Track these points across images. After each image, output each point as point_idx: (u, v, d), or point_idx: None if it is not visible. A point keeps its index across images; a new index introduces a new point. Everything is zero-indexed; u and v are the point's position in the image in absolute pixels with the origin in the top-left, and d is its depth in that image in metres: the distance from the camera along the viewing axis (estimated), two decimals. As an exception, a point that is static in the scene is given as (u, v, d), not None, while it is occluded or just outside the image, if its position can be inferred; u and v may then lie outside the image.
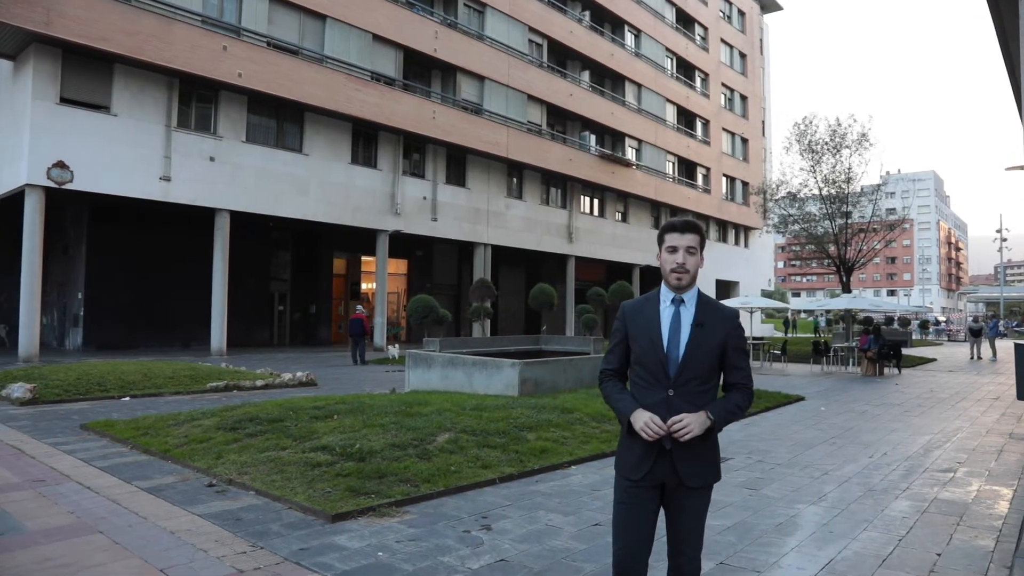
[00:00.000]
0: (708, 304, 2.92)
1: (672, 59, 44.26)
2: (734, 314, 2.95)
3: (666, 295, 2.92)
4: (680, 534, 2.90)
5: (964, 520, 5.72)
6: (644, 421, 2.76)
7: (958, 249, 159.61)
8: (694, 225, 2.90)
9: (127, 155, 20.31)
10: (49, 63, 19.14)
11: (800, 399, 13.92)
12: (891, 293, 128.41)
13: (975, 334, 28.99)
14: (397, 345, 24.88)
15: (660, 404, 2.80)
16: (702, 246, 2.91)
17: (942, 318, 63.51)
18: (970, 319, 34.19)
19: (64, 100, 19.40)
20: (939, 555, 4.86)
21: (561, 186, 36.60)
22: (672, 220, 2.93)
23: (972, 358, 27.80)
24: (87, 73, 19.92)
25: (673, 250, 2.87)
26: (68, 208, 23.87)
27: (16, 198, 19.98)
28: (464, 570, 4.44)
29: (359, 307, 23.47)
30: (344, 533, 5.12)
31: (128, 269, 23.89)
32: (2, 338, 24.04)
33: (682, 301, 2.89)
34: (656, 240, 2.98)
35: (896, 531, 5.40)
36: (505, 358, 12.23)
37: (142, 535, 5.02)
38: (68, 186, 19.18)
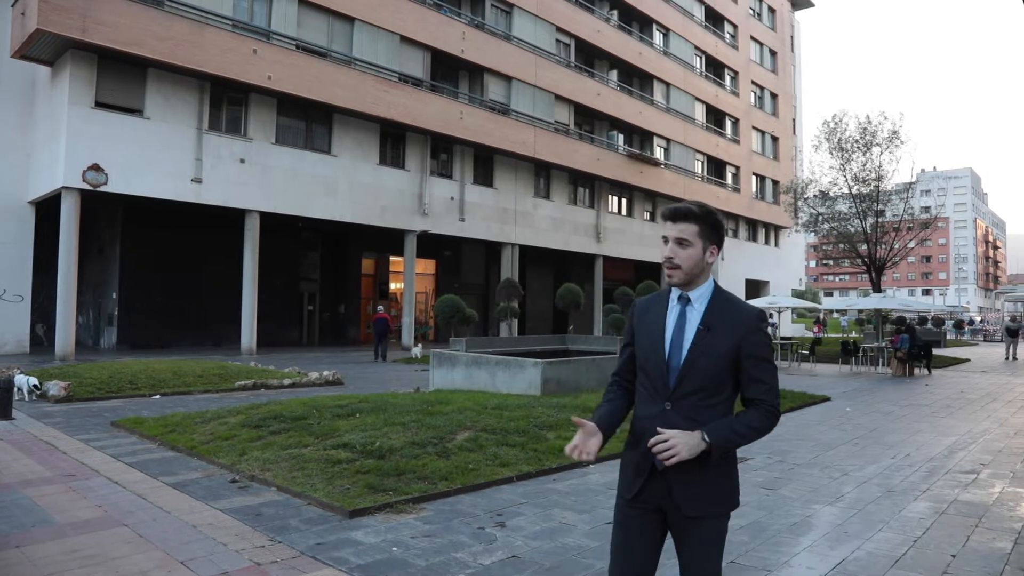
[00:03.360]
0: (723, 304, 2.46)
1: (701, 57, 43.99)
2: (753, 315, 2.45)
3: (675, 293, 2.51)
4: (686, 573, 2.45)
5: (983, 522, 5.67)
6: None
7: (996, 248, 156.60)
8: (685, 212, 2.45)
9: (160, 157, 20.72)
10: (85, 68, 19.59)
11: (826, 399, 13.81)
12: (926, 292, 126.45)
13: (1012, 334, 28.45)
14: (420, 345, 25.21)
15: (656, 418, 2.40)
16: (705, 236, 2.44)
17: (977, 317, 62.37)
18: (1007, 319, 33.54)
19: (99, 104, 19.86)
20: (954, 556, 4.83)
21: (589, 186, 36.57)
22: (668, 206, 2.50)
23: (1007, 359, 27.29)
24: (121, 78, 20.36)
25: (665, 241, 2.48)
26: (103, 210, 24.40)
27: (53, 200, 20.49)
28: (476, 566, 4.52)
29: (380, 307, 24.16)
30: (361, 529, 5.23)
31: (161, 269, 24.36)
32: (40, 337, 24.63)
33: (688, 300, 2.47)
34: None
35: (912, 532, 5.37)
36: (530, 358, 12.30)
37: (165, 528, 5.17)
38: (103, 188, 19.62)
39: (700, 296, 2.47)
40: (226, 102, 22.80)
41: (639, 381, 2.54)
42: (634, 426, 2.53)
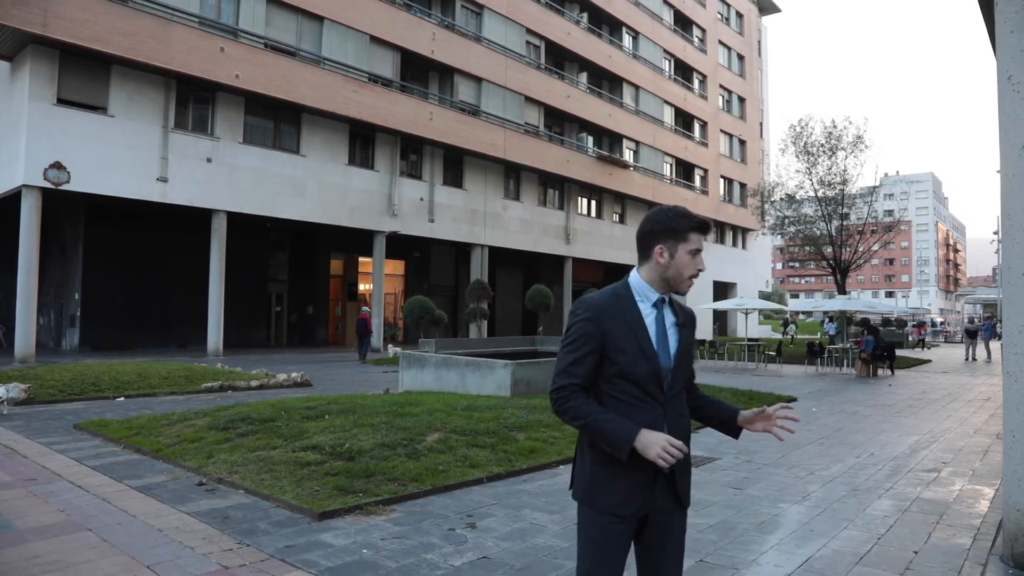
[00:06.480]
0: (675, 302, 2.53)
1: (670, 61, 44.34)
2: (692, 310, 2.63)
3: (647, 293, 2.45)
4: (669, 565, 2.46)
5: (944, 519, 5.79)
6: (662, 446, 2.23)
7: (956, 251, 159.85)
8: None
9: (124, 156, 20.38)
10: (46, 64, 19.20)
11: (792, 400, 13.97)
12: (889, 295, 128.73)
13: (971, 335, 29.07)
14: (390, 345, 25.25)
15: (654, 424, 2.34)
16: None
17: (939, 319, 63.58)
18: (966, 321, 34.28)
19: (61, 101, 19.47)
20: (916, 553, 4.92)
21: (558, 187, 36.68)
22: (696, 216, 2.46)
23: (967, 359, 27.87)
24: (84, 74, 19.99)
25: (697, 253, 2.45)
26: (65, 209, 23.93)
27: (13, 199, 20.04)
28: (446, 567, 4.51)
29: (364, 308, 24.40)
30: (330, 531, 5.19)
31: (125, 270, 23.95)
32: (-1, 338, 24.12)
33: (663, 301, 2.47)
34: (659, 234, 2.45)
35: (876, 529, 5.47)
36: (500, 359, 12.30)
37: (131, 533, 5.09)
38: (65, 187, 19.25)
39: (667, 296, 2.51)
40: (192, 100, 22.50)
41: (616, 389, 2.39)
42: None
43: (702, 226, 2.44)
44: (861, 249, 30.83)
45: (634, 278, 2.48)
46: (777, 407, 2.52)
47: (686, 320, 2.52)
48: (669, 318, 2.47)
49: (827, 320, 35.77)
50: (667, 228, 2.43)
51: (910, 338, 40.35)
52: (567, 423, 2.39)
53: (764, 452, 8.58)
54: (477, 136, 30.15)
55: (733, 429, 2.62)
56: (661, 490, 2.39)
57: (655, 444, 2.23)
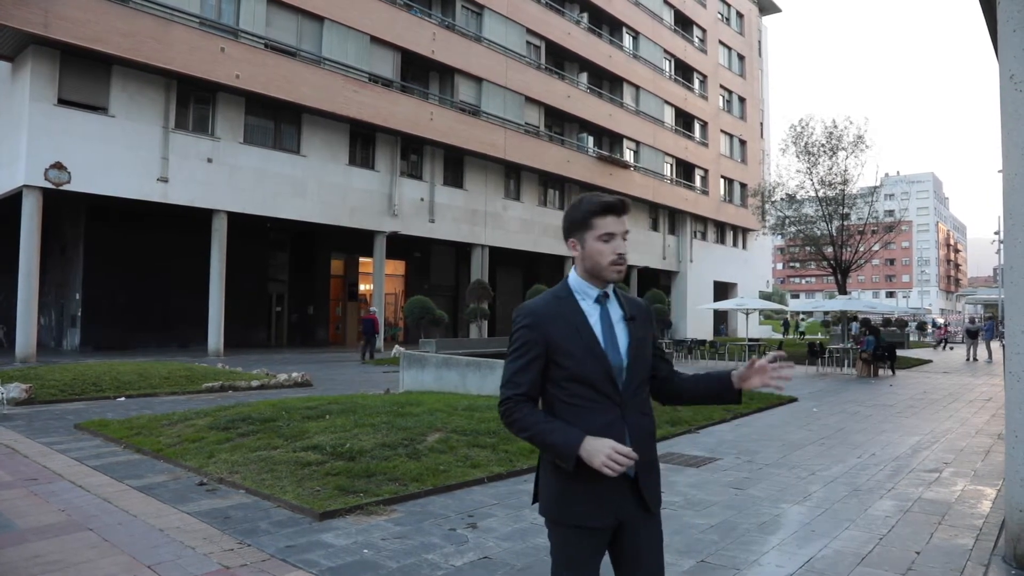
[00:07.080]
0: (624, 295, 2.43)
1: (670, 61, 44.33)
2: (647, 304, 2.50)
3: (586, 291, 2.34)
4: (650, 572, 2.34)
5: (946, 519, 5.78)
6: (607, 454, 2.11)
7: (957, 251, 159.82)
8: (629, 204, 2.37)
9: (125, 156, 20.39)
10: (47, 64, 19.21)
11: (793, 400, 13.96)
12: (890, 295, 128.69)
13: (972, 336, 29.05)
14: (396, 345, 25.29)
15: (612, 425, 2.24)
16: None
17: (941, 320, 63.54)
18: (967, 321, 34.27)
19: (62, 101, 19.49)
20: (918, 553, 4.91)
21: (559, 187, 36.69)
22: (604, 198, 2.32)
23: (968, 359, 27.85)
24: (85, 74, 20.00)
25: (611, 237, 2.29)
26: (65, 209, 23.95)
27: (14, 199, 20.05)
28: (447, 567, 4.50)
29: (372, 308, 25.10)
30: (331, 531, 5.18)
31: (126, 270, 23.96)
32: (0, 339, 24.12)
33: (606, 295, 2.36)
34: (568, 229, 2.37)
35: (878, 530, 5.45)
36: (500, 359, 12.28)
37: (131, 532, 5.08)
38: (66, 187, 19.25)
39: (610, 290, 2.39)
40: (193, 101, 22.51)
41: (566, 393, 2.28)
42: None
43: (607, 208, 2.30)
44: (862, 249, 30.83)
45: (572, 277, 2.38)
46: (770, 356, 2.37)
47: (636, 313, 2.38)
48: (615, 312, 2.36)
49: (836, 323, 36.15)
50: (571, 221, 2.35)
51: (911, 338, 40.25)
52: (516, 435, 2.29)
53: (765, 452, 8.57)
54: (477, 136, 30.15)
55: (732, 393, 2.44)
56: (628, 500, 2.29)
57: (599, 452, 2.11)
